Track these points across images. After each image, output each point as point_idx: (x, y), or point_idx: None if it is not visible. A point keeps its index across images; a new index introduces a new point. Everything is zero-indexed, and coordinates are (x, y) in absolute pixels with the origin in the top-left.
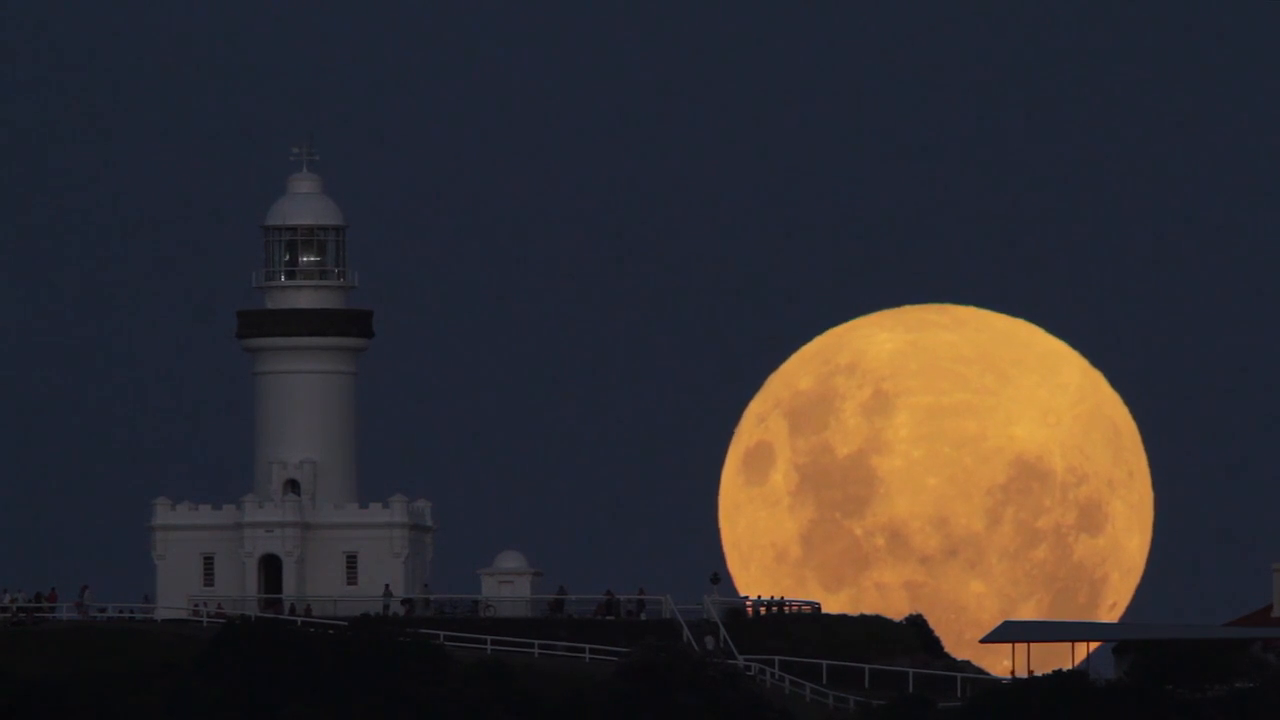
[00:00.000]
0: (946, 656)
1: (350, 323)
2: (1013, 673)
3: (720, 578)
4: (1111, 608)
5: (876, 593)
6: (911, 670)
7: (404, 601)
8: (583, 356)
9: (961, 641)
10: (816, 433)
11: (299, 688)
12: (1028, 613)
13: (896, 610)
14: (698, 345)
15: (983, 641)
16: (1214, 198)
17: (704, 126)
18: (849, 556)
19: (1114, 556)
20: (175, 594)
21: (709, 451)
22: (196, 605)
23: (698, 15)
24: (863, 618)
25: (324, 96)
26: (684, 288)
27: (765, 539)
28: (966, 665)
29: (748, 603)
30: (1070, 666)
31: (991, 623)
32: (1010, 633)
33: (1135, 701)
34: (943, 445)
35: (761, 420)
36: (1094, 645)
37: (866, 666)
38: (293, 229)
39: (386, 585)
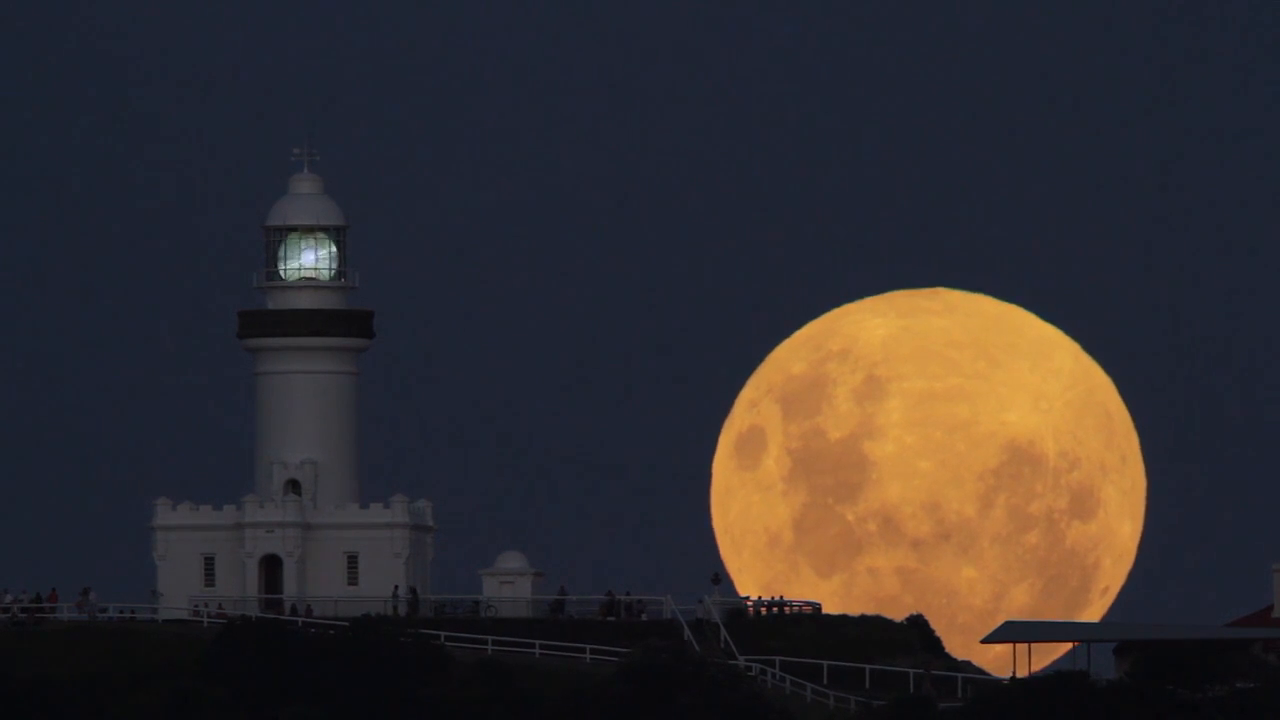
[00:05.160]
0: (947, 656)
1: (351, 323)
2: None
3: (721, 578)
4: (1104, 593)
5: (869, 578)
6: (912, 670)
7: (411, 590)
8: (581, 353)
9: (954, 627)
10: (809, 418)
11: (300, 688)
12: (1020, 598)
13: (889, 595)
14: (691, 334)
15: (984, 641)
16: (1207, 185)
17: (697, 116)
18: (841, 542)
19: (1106, 542)
20: (176, 594)
21: (703, 439)
22: (197, 605)
23: (692, 4)
24: (864, 618)
25: (324, 96)
26: (679, 275)
27: (758, 524)
28: (967, 665)
29: (748, 603)
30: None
31: (984, 608)
32: (1011, 633)
33: (1135, 701)
34: (935, 430)
35: (754, 405)
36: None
37: (867, 667)
38: (294, 229)
39: (396, 587)
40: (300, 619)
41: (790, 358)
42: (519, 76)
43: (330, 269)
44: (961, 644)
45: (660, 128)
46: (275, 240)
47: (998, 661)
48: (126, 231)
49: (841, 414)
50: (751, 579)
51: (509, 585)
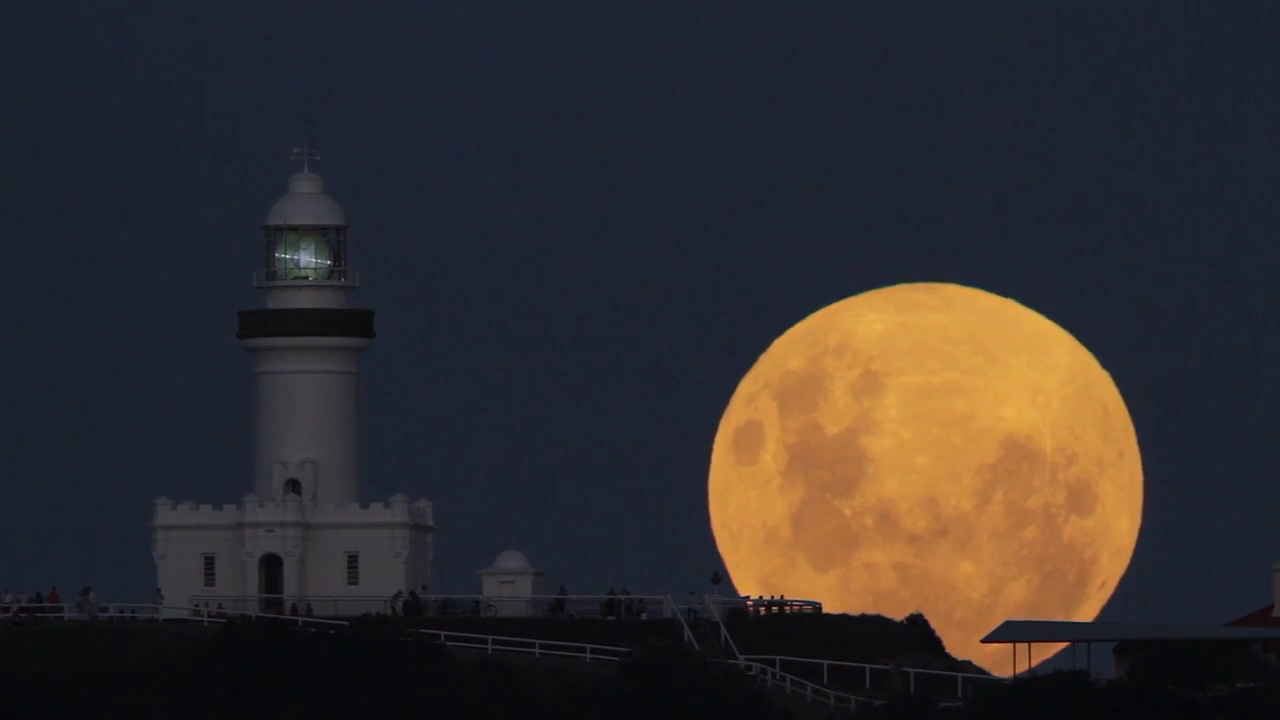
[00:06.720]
0: (947, 656)
1: (351, 323)
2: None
3: (721, 577)
4: (1101, 587)
5: (866, 573)
6: (913, 670)
7: (411, 593)
8: (580, 350)
9: (951, 622)
10: (806, 413)
11: (299, 688)
12: (1017, 593)
13: (886, 590)
14: (689, 329)
15: (984, 641)
16: (1204, 177)
17: (695, 114)
18: (839, 537)
19: (1103, 537)
20: (176, 594)
21: (700, 435)
22: (197, 605)
23: (691, 1)
24: (864, 617)
25: (324, 96)
26: (676, 272)
27: (756, 519)
28: (967, 665)
29: (749, 603)
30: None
31: (981, 603)
32: (1011, 633)
33: (1135, 701)
34: (932, 425)
35: (751, 400)
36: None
37: (867, 666)
38: (294, 229)
39: (398, 593)
40: (300, 619)
41: (787, 353)
42: (518, 75)
43: (325, 266)
44: (959, 639)
45: (658, 125)
46: (274, 240)
47: (994, 659)
48: (126, 231)
49: (839, 409)
50: (749, 574)
51: (509, 585)
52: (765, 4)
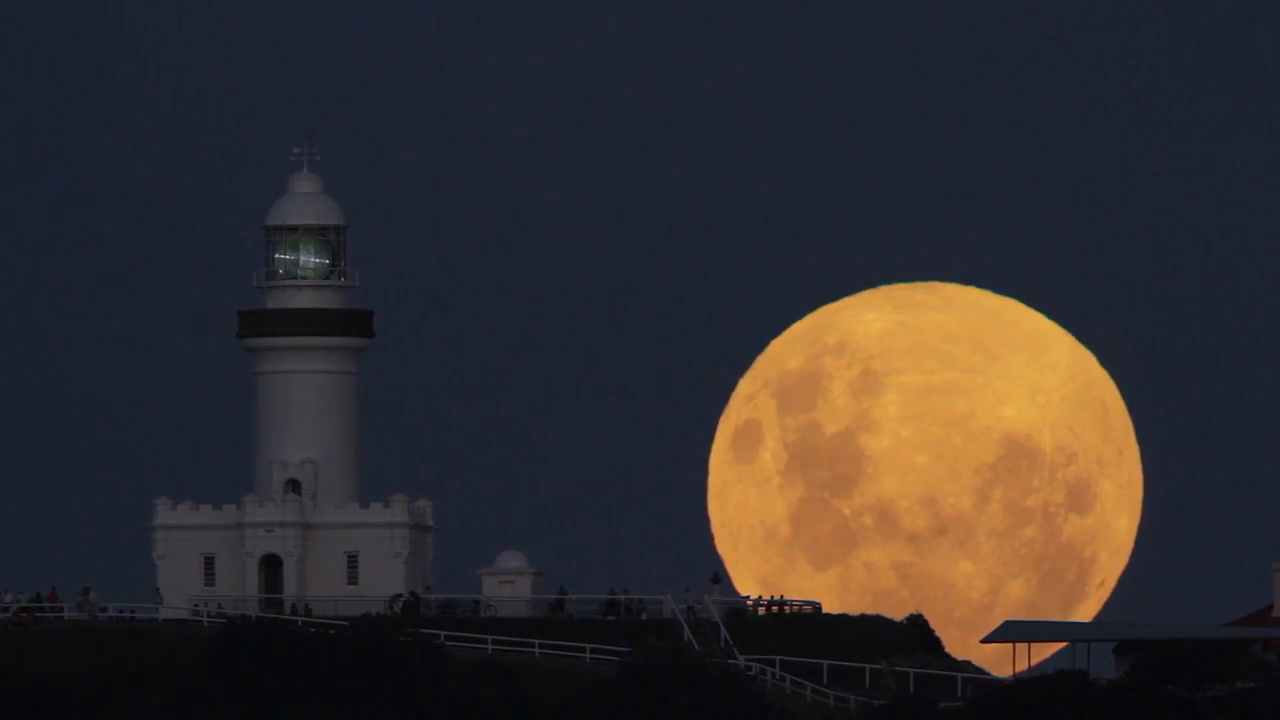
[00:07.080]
0: (947, 656)
1: (351, 322)
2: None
3: (721, 577)
4: (1100, 586)
5: (865, 572)
6: (911, 670)
7: (411, 594)
8: (579, 350)
9: (950, 621)
10: (805, 412)
11: (299, 688)
12: (1016, 591)
13: (885, 589)
14: (688, 328)
15: (984, 641)
16: (1202, 175)
17: (694, 114)
18: (838, 536)
19: (1103, 536)
20: (176, 594)
21: (699, 434)
22: (197, 605)
23: (689, 1)
24: (863, 617)
25: (324, 96)
26: (675, 271)
27: (755, 518)
28: (967, 665)
29: (749, 602)
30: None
31: (980, 602)
32: (1010, 632)
33: (1135, 701)
34: (931, 424)
35: (750, 399)
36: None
37: (867, 666)
38: (294, 229)
39: (398, 595)
40: (300, 619)
41: (786, 352)
42: (518, 75)
43: (325, 266)
44: (958, 638)
45: (657, 125)
46: (274, 240)
47: (994, 658)
48: (127, 231)
49: (838, 408)
50: (748, 573)
51: (509, 585)
52: (765, 4)
